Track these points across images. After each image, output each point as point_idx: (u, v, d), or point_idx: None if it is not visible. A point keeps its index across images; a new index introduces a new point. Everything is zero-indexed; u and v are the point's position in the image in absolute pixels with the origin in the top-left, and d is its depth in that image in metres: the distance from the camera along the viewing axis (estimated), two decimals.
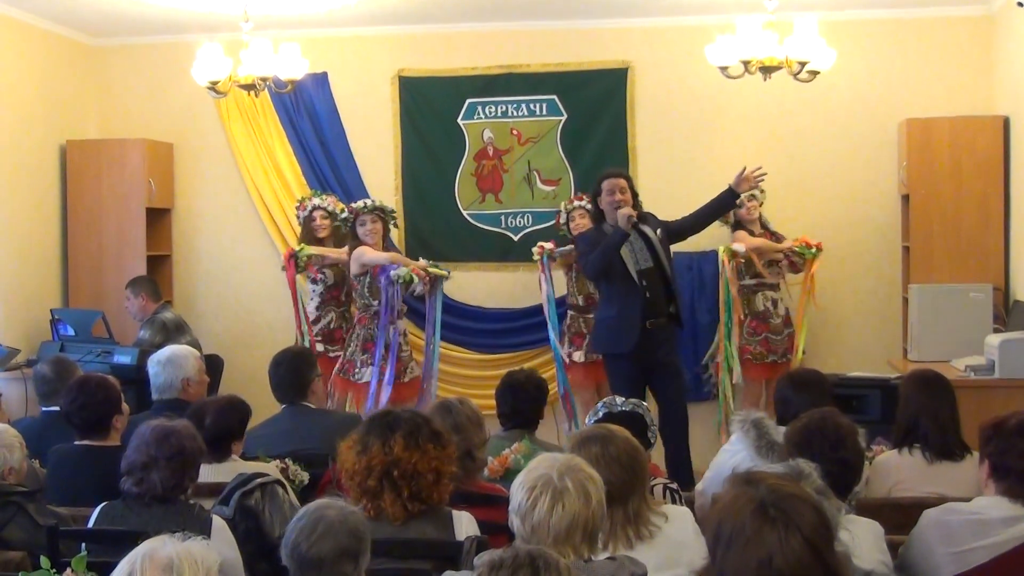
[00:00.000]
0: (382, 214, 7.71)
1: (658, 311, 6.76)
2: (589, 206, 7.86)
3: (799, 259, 7.93)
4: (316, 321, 8.01)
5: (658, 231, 6.81)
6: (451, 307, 8.48)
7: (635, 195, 6.91)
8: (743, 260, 7.81)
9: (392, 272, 7.38)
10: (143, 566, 2.44)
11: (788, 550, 2.21)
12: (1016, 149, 7.71)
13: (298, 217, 8.27)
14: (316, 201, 8.12)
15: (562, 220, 8.19)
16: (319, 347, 7.86)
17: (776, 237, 8.01)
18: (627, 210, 6.65)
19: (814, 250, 7.87)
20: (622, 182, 6.86)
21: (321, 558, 2.95)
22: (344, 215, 7.90)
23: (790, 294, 8.03)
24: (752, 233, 7.94)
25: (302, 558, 2.96)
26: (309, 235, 8.07)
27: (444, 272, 7.74)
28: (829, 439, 3.72)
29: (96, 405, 4.73)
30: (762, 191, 7.93)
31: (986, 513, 3.64)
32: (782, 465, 3.19)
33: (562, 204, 8.28)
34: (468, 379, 8.53)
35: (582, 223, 7.87)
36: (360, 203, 7.76)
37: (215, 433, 4.53)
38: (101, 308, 8.21)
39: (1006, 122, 7.85)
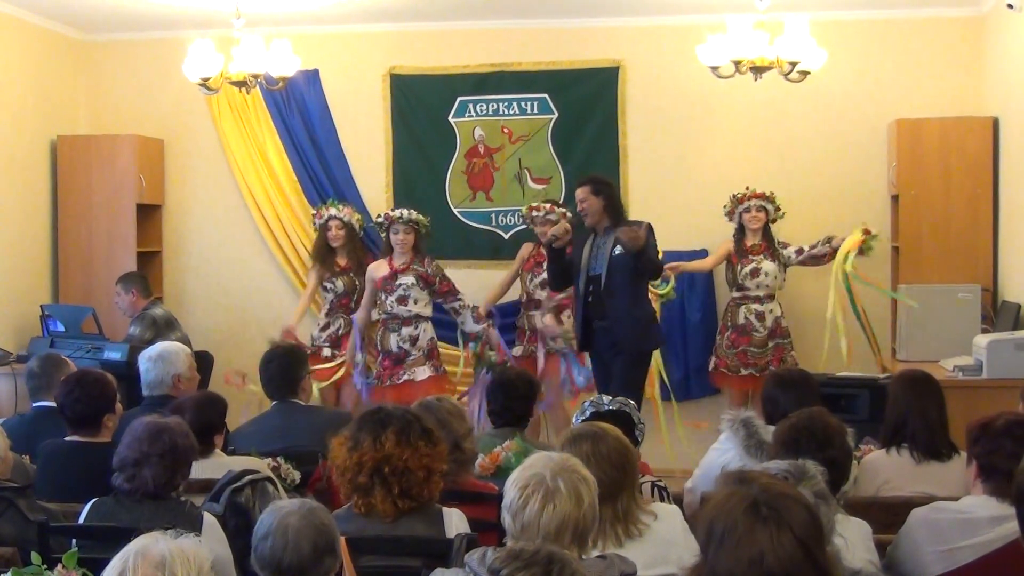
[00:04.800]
0: (416, 226, 7.82)
1: (600, 314, 6.86)
2: (551, 216, 7.91)
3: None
4: (325, 327, 8.22)
5: (617, 249, 6.76)
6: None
7: (609, 200, 6.86)
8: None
9: None
10: (135, 563, 2.44)
11: (779, 548, 2.22)
12: (1005, 150, 7.73)
13: (314, 224, 8.41)
14: (333, 211, 8.25)
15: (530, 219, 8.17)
16: (326, 351, 8.11)
17: (777, 246, 7.93)
18: (551, 233, 6.96)
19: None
20: (579, 191, 6.97)
21: (303, 564, 2.97)
22: (379, 219, 8.01)
23: (780, 306, 7.98)
24: (745, 242, 7.91)
25: (285, 570, 2.97)
26: (323, 243, 8.24)
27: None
28: (817, 438, 3.74)
29: (91, 400, 4.72)
30: (778, 208, 7.93)
31: (973, 512, 3.66)
32: (788, 463, 3.20)
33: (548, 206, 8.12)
34: (456, 376, 8.52)
35: (542, 230, 7.83)
36: (396, 212, 7.88)
37: (196, 428, 4.53)
38: (91, 304, 8.19)
39: (995, 123, 7.87)
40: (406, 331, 7.77)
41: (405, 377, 7.70)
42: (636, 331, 6.84)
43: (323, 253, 8.24)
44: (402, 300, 7.74)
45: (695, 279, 8.43)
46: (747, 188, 7.96)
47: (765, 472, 2.83)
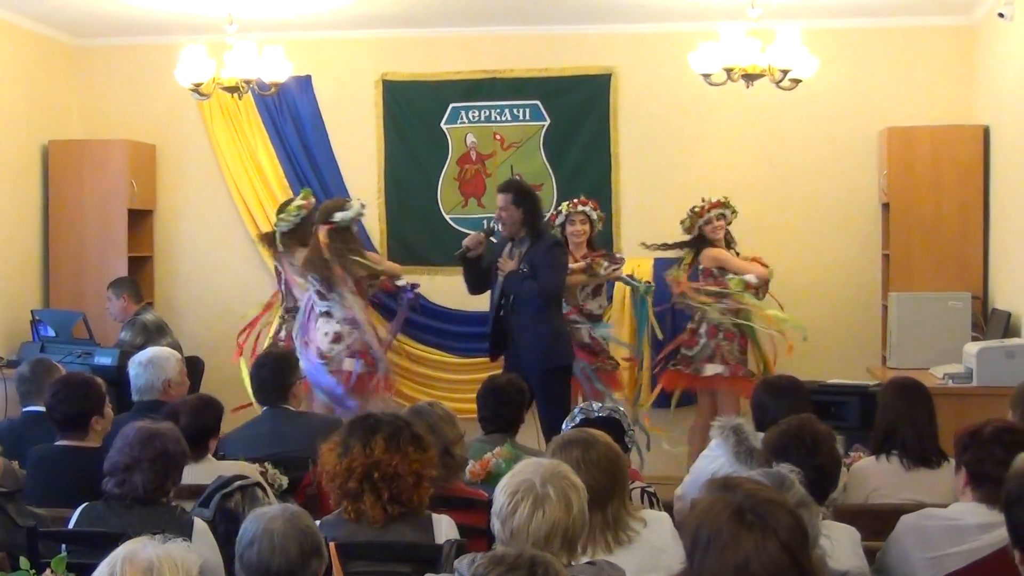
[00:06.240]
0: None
1: (509, 327, 6.93)
2: (594, 213, 7.74)
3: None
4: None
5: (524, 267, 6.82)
6: (430, 310, 8.49)
7: (528, 212, 6.83)
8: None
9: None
10: (123, 568, 2.44)
11: (765, 554, 2.22)
12: (996, 158, 7.76)
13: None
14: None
15: (558, 220, 7.78)
16: None
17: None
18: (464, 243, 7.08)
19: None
20: (500, 198, 6.95)
21: (291, 567, 2.98)
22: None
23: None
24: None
25: (275, 574, 2.97)
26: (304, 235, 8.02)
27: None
28: (806, 445, 3.75)
29: (75, 401, 4.71)
30: (733, 211, 7.70)
31: (962, 519, 3.66)
32: (760, 472, 3.20)
33: (564, 204, 7.82)
34: (447, 382, 8.52)
35: (581, 228, 7.65)
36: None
37: (191, 432, 4.53)
38: (82, 309, 8.19)
39: (986, 131, 7.89)
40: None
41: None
42: (538, 350, 6.80)
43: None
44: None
45: None
46: (703, 199, 7.71)
47: (750, 478, 2.83)
